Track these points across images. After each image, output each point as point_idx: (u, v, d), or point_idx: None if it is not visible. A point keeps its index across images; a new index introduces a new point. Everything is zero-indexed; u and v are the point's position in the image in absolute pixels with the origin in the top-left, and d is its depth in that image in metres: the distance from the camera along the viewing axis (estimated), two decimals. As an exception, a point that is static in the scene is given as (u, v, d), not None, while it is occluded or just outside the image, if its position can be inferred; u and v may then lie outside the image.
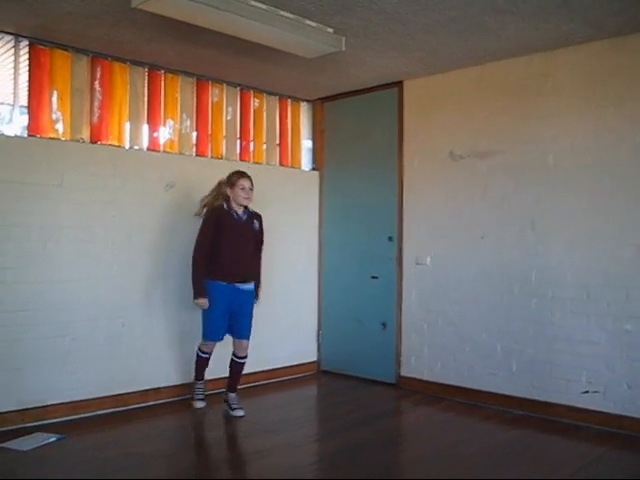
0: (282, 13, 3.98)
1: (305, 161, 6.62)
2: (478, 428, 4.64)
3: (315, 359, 6.43)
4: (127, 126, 5.23)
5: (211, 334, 4.78)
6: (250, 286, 4.86)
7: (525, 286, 4.94)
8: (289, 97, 6.41)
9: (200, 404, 4.97)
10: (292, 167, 6.47)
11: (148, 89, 5.37)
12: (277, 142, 6.37)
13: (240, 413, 4.77)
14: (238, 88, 5.97)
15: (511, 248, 5.04)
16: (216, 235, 4.65)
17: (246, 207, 4.83)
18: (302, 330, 6.31)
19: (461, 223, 5.35)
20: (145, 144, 5.34)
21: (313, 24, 4.19)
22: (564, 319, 4.72)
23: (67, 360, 4.66)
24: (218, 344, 4.87)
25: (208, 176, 5.45)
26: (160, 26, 4.31)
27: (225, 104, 5.90)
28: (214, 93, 5.81)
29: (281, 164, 6.37)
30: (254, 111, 6.16)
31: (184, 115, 5.60)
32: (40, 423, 4.46)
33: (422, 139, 5.63)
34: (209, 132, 5.78)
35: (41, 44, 4.74)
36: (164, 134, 5.48)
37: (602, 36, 4.50)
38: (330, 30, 4.32)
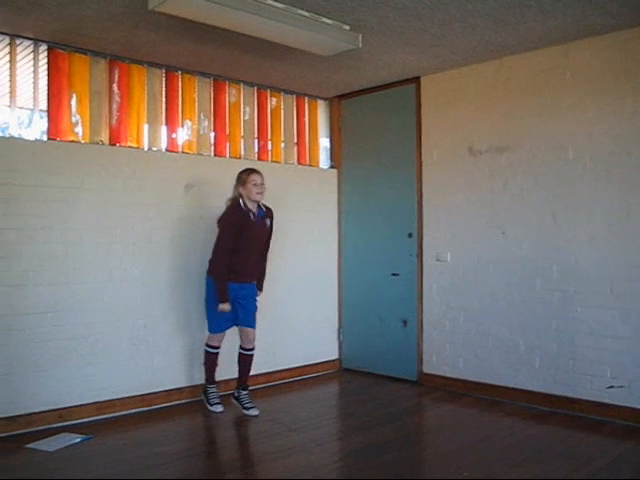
0: (299, 11, 3.98)
1: (323, 159, 6.62)
2: (502, 424, 4.61)
3: (336, 357, 6.43)
4: (145, 128, 5.26)
5: (218, 326, 4.81)
6: (254, 282, 4.97)
7: (547, 281, 4.90)
8: (306, 95, 6.41)
9: (218, 408, 4.91)
10: (310, 165, 6.46)
11: (166, 90, 5.39)
12: (295, 141, 6.37)
13: (254, 412, 4.79)
14: (255, 87, 5.98)
15: (532, 243, 5.00)
16: (235, 236, 4.67)
17: (258, 204, 4.83)
18: (322, 328, 6.30)
19: (481, 218, 5.32)
20: (164, 145, 5.37)
21: (329, 22, 4.19)
22: (587, 313, 4.68)
23: (91, 361, 4.71)
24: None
25: (227, 176, 5.46)
26: (177, 27, 4.32)
27: (242, 104, 5.91)
28: (231, 93, 5.83)
29: (299, 163, 6.37)
30: (271, 110, 6.17)
31: (202, 115, 5.62)
32: (66, 424, 4.51)
33: (440, 134, 5.60)
34: (227, 132, 5.79)
35: (60, 48, 4.78)
36: (182, 135, 5.51)
37: (620, 27, 4.45)
38: (346, 27, 4.31)
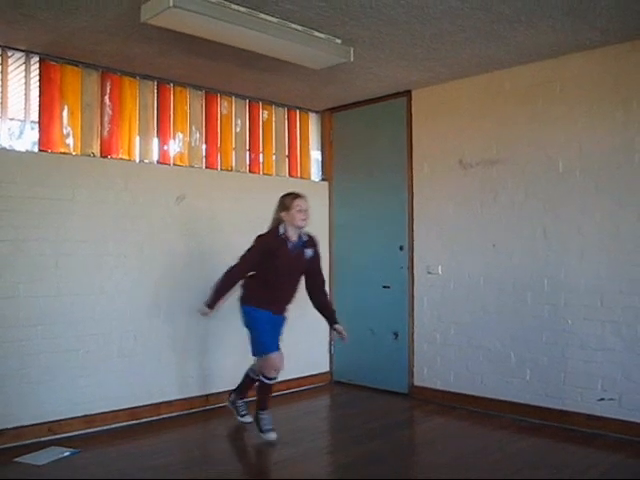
0: (291, 25, 4.01)
1: (314, 172, 6.63)
2: (494, 437, 4.60)
3: (328, 370, 6.41)
4: (137, 140, 5.26)
5: (272, 344, 4.42)
6: (284, 314, 4.69)
7: (538, 294, 4.91)
8: (298, 108, 6.43)
9: (249, 419, 4.77)
10: (302, 178, 6.47)
11: (157, 103, 5.40)
12: (286, 153, 6.38)
13: (273, 436, 4.46)
14: (247, 100, 6.00)
15: (523, 255, 5.02)
16: (264, 263, 4.37)
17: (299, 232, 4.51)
18: (313, 341, 6.28)
19: (472, 231, 5.34)
20: (155, 157, 5.37)
21: (321, 35, 4.22)
22: (578, 326, 4.69)
23: (81, 373, 4.67)
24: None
25: (218, 188, 5.51)
26: (169, 40, 4.34)
27: (234, 116, 5.93)
28: (223, 105, 5.84)
29: (290, 175, 6.38)
30: (263, 123, 6.18)
31: (193, 128, 5.62)
32: (55, 437, 4.47)
33: (431, 148, 5.63)
34: (218, 144, 5.80)
35: (52, 60, 4.78)
36: (174, 147, 5.51)
37: (609, 42, 4.50)
38: (338, 41, 4.34)
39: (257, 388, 4.62)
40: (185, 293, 5.20)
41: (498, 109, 5.18)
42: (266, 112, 6.20)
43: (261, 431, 4.47)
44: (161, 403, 5.10)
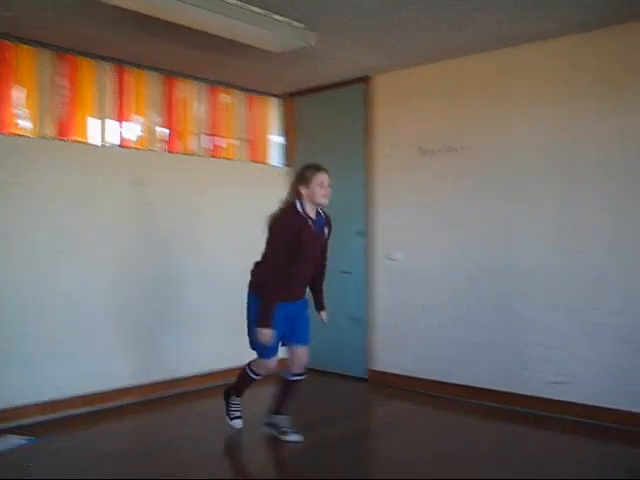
0: (250, 7, 3.96)
1: (276, 157, 6.59)
2: (451, 421, 4.67)
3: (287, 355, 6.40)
4: (94, 122, 5.15)
5: (271, 350, 4.02)
6: (305, 298, 4.26)
7: (494, 279, 4.98)
8: (259, 92, 6.37)
9: (238, 424, 4.38)
10: (263, 163, 6.43)
11: (115, 85, 5.29)
12: (248, 138, 6.33)
13: (297, 438, 4.15)
14: (207, 83, 5.92)
15: (480, 242, 5.07)
16: (290, 248, 3.90)
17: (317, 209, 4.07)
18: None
19: (431, 217, 5.38)
20: (113, 140, 5.26)
21: (282, 19, 4.17)
22: (534, 312, 4.77)
23: (37, 360, 4.59)
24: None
25: (178, 172, 5.44)
26: (126, 20, 4.23)
27: (195, 100, 5.85)
28: (183, 89, 5.76)
29: (252, 160, 6.33)
30: (224, 107, 6.12)
31: (153, 111, 5.53)
32: (10, 425, 4.38)
33: (392, 134, 5.64)
34: (179, 128, 5.72)
35: (6, 39, 4.64)
36: (132, 130, 5.41)
37: (569, 31, 4.55)
38: (299, 25, 4.30)
39: (239, 376, 4.34)
40: (142, 279, 5.14)
41: (459, 96, 5.21)
42: (227, 96, 6.13)
43: (228, 415, 4.39)
44: (120, 389, 5.05)
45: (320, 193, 3.94)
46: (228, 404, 4.42)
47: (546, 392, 4.71)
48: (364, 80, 5.82)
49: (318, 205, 4.01)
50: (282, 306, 3.94)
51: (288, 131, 6.55)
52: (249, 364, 4.24)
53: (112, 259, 5.03)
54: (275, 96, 6.52)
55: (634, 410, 4.31)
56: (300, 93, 6.39)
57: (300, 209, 3.95)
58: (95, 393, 4.89)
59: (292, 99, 6.49)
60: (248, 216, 5.98)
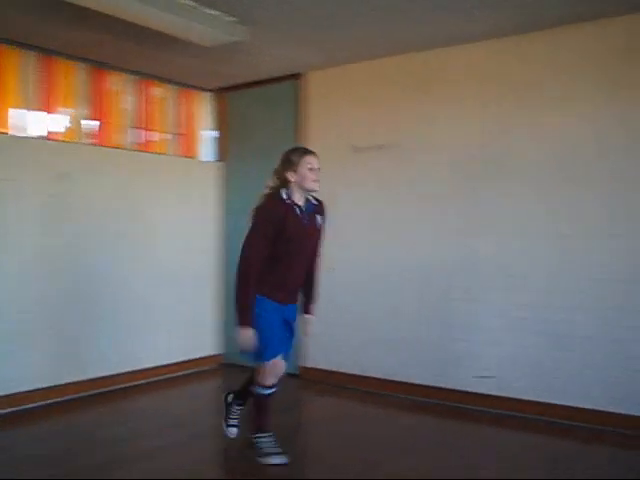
0: (181, 0, 3.90)
1: (209, 152, 6.52)
2: (382, 416, 4.72)
3: (219, 352, 6.36)
4: (17, 113, 4.97)
5: (274, 348, 3.58)
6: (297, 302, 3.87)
7: (423, 275, 5.07)
8: (192, 86, 6.29)
9: (233, 432, 3.98)
10: (195, 158, 6.35)
11: (42, 75, 5.12)
12: (180, 132, 6.24)
13: (280, 460, 3.69)
14: (139, 76, 5.80)
15: (409, 238, 5.14)
16: (276, 239, 3.50)
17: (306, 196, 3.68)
18: (202, 324, 6.23)
19: (363, 214, 5.42)
20: (39, 132, 5.10)
21: (214, 12, 4.13)
22: (463, 308, 4.88)
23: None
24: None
25: (107, 166, 5.31)
26: (52, 8, 4.10)
27: (125, 92, 5.73)
28: (114, 81, 5.62)
29: (184, 155, 6.24)
30: (156, 100, 6.01)
31: (82, 103, 5.39)
32: None
33: (325, 131, 5.65)
34: (109, 121, 5.59)
35: None
36: (60, 122, 5.25)
37: (496, 35, 4.67)
38: (231, 19, 4.27)
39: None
40: (60, 277, 4.99)
41: (392, 94, 5.26)
42: (159, 89, 6.03)
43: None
44: (41, 389, 4.89)
45: (311, 178, 3.56)
46: (228, 409, 4.00)
47: (473, 386, 4.82)
48: (297, 77, 5.82)
49: (309, 191, 3.61)
50: (277, 308, 3.60)
51: (221, 126, 6.49)
52: (253, 382, 3.74)
53: (29, 255, 4.87)
54: (208, 90, 6.45)
55: (556, 402, 4.46)
56: (233, 88, 6.33)
57: (286, 197, 3.55)
58: (15, 394, 4.73)
59: (225, 94, 6.43)
60: (179, 210, 5.94)
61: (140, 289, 5.56)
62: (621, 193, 4.28)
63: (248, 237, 3.55)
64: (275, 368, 3.63)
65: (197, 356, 6.12)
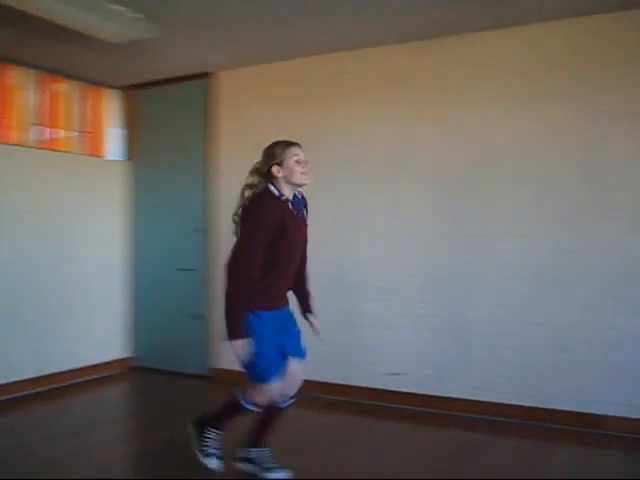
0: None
1: (117, 151, 6.36)
2: (291, 414, 4.70)
3: (128, 355, 6.22)
4: None
5: (275, 369, 3.24)
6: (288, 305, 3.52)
7: (331, 275, 5.13)
8: (99, 83, 6.12)
9: (214, 464, 3.47)
10: (102, 157, 6.19)
11: None
12: (86, 130, 6.06)
13: (286, 475, 3.50)
14: (41, 71, 5.59)
15: (318, 238, 5.17)
16: (275, 242, 3.18)
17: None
18: (110, 327, 6.08)
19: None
20: None
21: (119, 8, 4.04)
22: (368, 306, 4.98)
23: None
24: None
25: (8, 165, 5.11)
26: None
27: (27, 88, 5.52)
28: (14, 75, 5.41)
29: (90, 154, 6.07)
30: (60, 97, 5.82)
31: (-22, 98, 5.17)
32: None
33: (236, 131, 5.63)
34: (9, 117, 5.37)
35: None
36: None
37: (399, 40, 4.79)
38: (138, 15, 4.19)
39: (227, 405, 3.48)
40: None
41: (302, 96, 5.30)
42: (64, 85, 5.84)
43: (201, 451, 3.47)
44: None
45: (299, 170, 3.28)
46: (201, 436, 3.49)
47: (382, 383, 4.92)
48: (207, 76, 5.77)
49: (298, 186, 3.33)
50: (271, 316, 3.27)
51: (130, 124, 6.35)
52: (242, 394, 3.38)
53: None
54: (116, 88, 6.30)
55: (463, 397, 4.62)
56: (142, 86, 6.20)
57: (277, 193, 3.26)
58: None
59: (134, 92, 6.30)
60: (85, 210, 5.78)
61: (45, 291, 5.37)
62: (526, 195, 4.48)
63: (247, 242, 3.13)
64: (275, 392, 3.28)
65: (105, 360, 5.96)
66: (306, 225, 3.45)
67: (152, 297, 6.12)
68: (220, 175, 5.68)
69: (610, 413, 4.18)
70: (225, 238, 5.60)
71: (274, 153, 3.32)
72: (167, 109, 6.09)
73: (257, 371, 3.21)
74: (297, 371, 3.39)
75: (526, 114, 4.47)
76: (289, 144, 3.35)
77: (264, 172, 3.32)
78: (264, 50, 5.10)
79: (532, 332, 4.40)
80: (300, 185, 3.33)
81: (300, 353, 3.43)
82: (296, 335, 3.45)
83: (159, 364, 6.07)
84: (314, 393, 5.14)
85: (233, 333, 3.10)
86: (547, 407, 4.37)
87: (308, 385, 5.15)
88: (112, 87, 6.27)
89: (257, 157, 5.37)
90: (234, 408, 3.43)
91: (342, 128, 5.13)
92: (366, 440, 4.21)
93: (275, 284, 3.27)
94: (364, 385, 5.00)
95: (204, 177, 5.80)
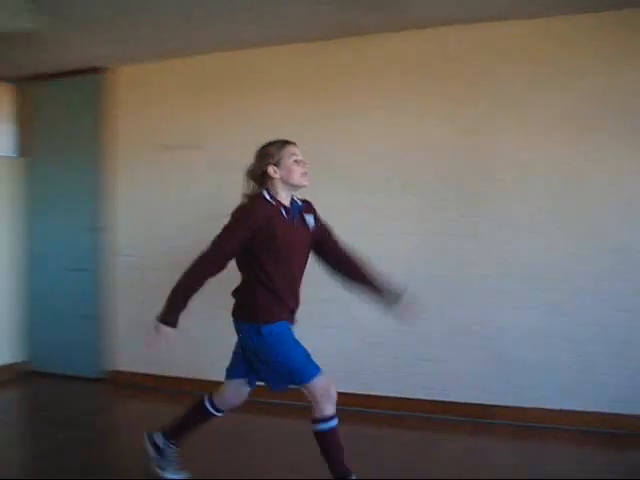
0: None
1: (6, 146, 6.07)
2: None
3: (20, 360, 5.95)
4: None
5: (313, 364, 3.02)
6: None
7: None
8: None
9: (180, 475, 3.40)
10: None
11: None
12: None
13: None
14: None
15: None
16: (257, 247, 3.01)
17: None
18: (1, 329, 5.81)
19: (172, 215, 5.37)
20: None
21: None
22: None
23: None
24: None
25: None
26: None
27: None
28: None
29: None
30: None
31: None
32: None
33: (134, 128, 5.51)
34: None
35: None
36: None
37: (311, 39, 4.80)
38: (28, 5, 4.03)
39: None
40: None
41: (200, 93, 5.23)
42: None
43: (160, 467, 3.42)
44: None
45: (298, 171, 3.08)
46: (162, 453, 3.42)
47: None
48: (103, 71, 5.60)
49: (297, 187, 3.12)
50: (285, 324, 3.09)
51: (22, 119, 6.07)
52: (208, 399, 3.36)
53: None
54: (6, 80, 6.00)
55: (364, 393, 4.70)
56: (34, 79, 5.91)
57: (269, 198, 3.07)
58: None
59: (26, 85, 6.01)
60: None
61: None
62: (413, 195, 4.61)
63: (218, 236, 3.03)
64: (330, 384, 3.00)
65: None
66: (309, 232, 3.17)
67: (47, 299, 5.88)
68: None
69: (498, 403, 4.37)
70: (123, 237, 5.51)
71: (270, 152, 3.12)
72: (61, 104, 5.88)
73: (298, 374, 3.00)
74: (247, 394, 3.35)
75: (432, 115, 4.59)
76: (286, 142, 3.15)
77: (259, 174, 3.13)
78: (160, 47, 5.00)
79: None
80: (298, 187, 3.13)
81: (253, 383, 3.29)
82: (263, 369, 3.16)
83: (56, 368, 5.82)
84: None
85: (163, 315, 3.07)
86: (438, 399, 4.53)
87: (210, 385, 5.10)
88: (2, 79, 5.97)
89: (155, 154, 5.35)
90: (201, 416, 3.40)
91: (239, 126, 5.08)
92: (256, 437, 4.24)
93: (280, 298, 3.07)
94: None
95: (99, 175, 5.64)
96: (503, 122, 4.42)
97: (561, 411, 4.26)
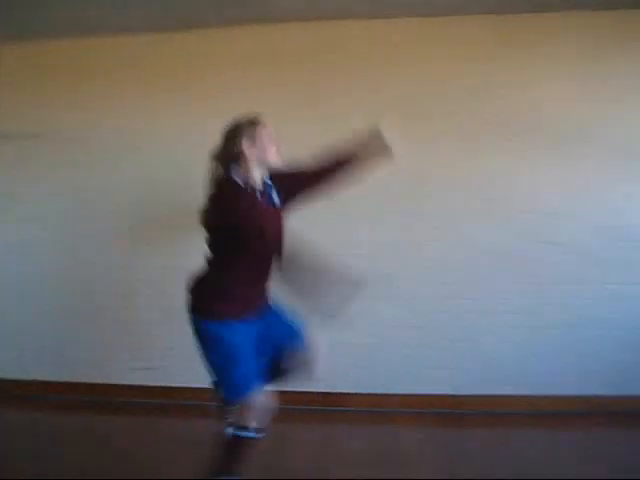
0: None
1: None
2: (41, 420, 4.49)
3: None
4: None
5: (250, 380, 2.85)
6: None
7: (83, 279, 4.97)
8: None
9: None
10: None
11: None
12: None
13: None
14: None
15: (91, 236, 4.96)
16: (235, 236, 2.77)
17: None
18: None
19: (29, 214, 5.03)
20: None
21: None
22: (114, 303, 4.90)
23: None
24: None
25: None
26: None
27: None
28: None
29: None
30: None
31: None
32: None
33: (14, 112, 4.96)
34: None
35: None
36: None
37: (153, 29, 4.63)
38: None
39: (226, 445, 2.95)
40: None
41: (48, 81, 4.89)
42: None
43: None
44: None
45: (273, 149, 2.91)
46: None
47: (128, 379, 4.87)
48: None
49: (270, 166, 2.94)
50: (244, 326, 2.90)
51: None
52: (237, 425, 2.94)
53: None
54: None
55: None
56: None
57: (241, 182, 2.82)
58: None
59: None
60: None
61: None
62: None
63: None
64: (259, 405, 2.89)
65: None
66: (280, 212, 2.97)
67: None
68: None
69: (349, 390, 4.66)
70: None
71: (242, 131, 2.89)
72: None
73: (232, 388, 2.91)
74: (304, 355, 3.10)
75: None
76: (257, 119, 2.95)
77: (234, 154, 2.87)
78: (46, 25, 4.57)
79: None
80: (274, 166, 2.96)
81: (302, 344, 3.08)
82: (286, 319, 3.10)
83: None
84: (69, 395, 4.92)
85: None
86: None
87: (53, 386, 4.89)
88: None
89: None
90: (234, 446, 2.98)
91: (85, 115, 4.88)
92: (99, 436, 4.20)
93: (250, 290, 2.98)
94: (109, 382, 4.92)
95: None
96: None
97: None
